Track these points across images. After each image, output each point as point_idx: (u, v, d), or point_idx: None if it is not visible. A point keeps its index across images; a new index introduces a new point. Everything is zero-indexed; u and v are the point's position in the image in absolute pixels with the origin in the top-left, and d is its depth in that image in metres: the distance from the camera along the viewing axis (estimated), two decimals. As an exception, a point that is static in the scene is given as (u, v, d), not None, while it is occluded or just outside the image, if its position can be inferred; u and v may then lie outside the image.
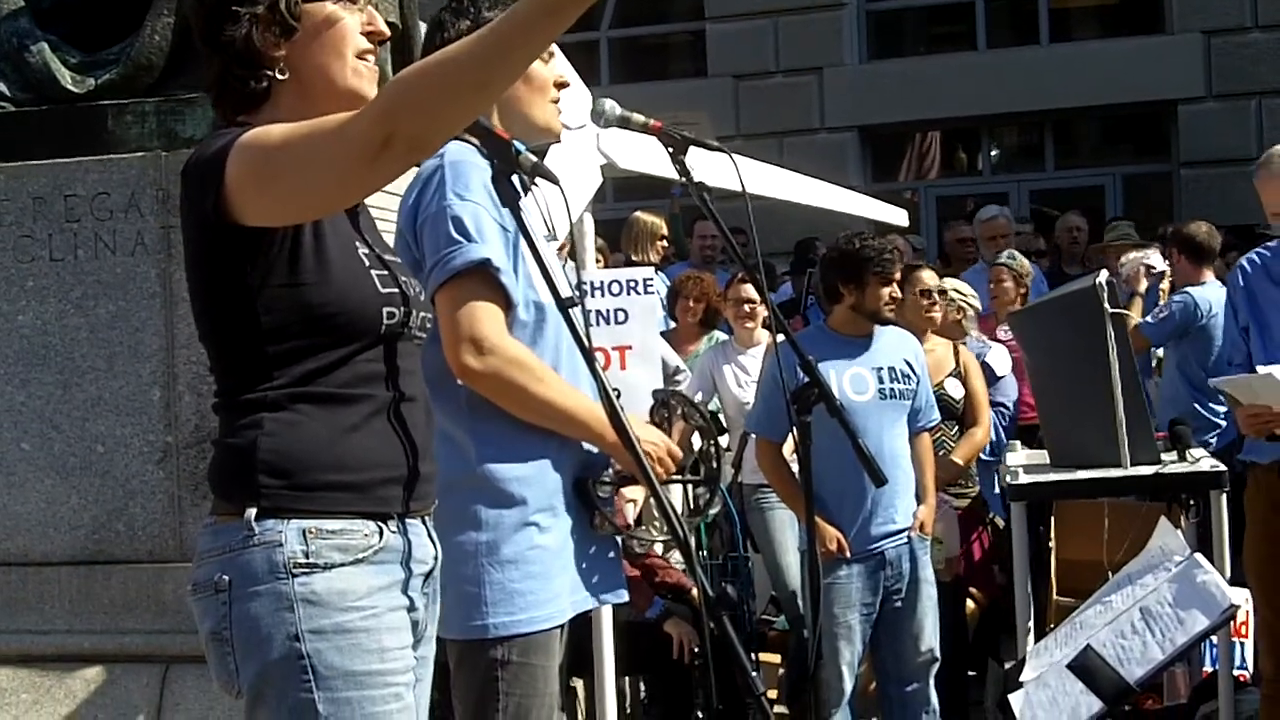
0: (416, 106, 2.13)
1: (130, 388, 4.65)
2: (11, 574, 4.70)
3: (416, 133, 2.15)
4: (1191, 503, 5.47)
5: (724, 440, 7.17)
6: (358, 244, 2.54)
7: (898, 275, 5.50)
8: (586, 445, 3.27)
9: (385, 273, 2.54)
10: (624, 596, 3.41)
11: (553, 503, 3.22)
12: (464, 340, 3.07)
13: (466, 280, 3.08)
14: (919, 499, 5.49)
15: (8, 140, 4.90)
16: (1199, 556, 3.39)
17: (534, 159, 2.69)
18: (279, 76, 2.50)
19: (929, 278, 6.79)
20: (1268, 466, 4.80)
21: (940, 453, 6.31)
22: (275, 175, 2.29)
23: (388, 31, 2.62)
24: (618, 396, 2.50)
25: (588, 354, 2.56)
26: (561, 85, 3.34)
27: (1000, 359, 7.39)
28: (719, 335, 7.78)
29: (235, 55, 2.49)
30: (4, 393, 4.74)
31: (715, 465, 3.48)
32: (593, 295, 5.19)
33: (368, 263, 2.52)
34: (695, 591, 5.68)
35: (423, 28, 5.29)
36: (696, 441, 3.51)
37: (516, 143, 2.69)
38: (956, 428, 6.70)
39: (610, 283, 5.37)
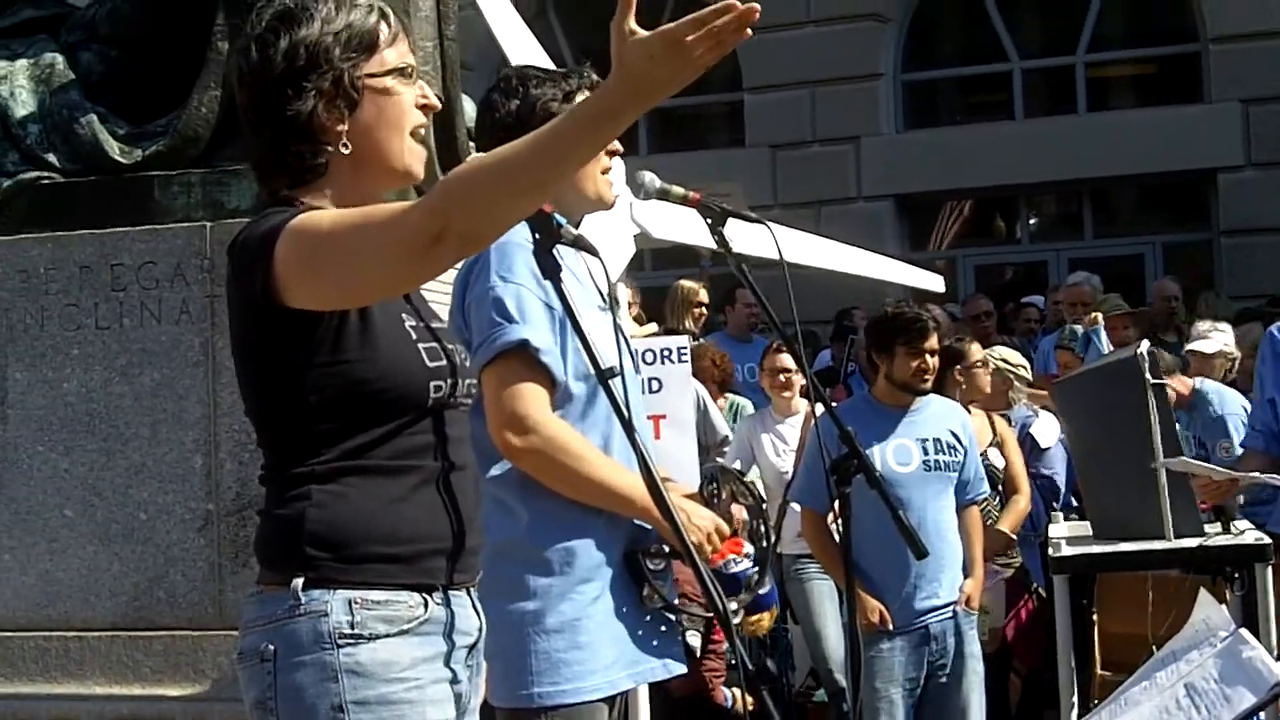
0: (472, 203, 2.15)
1: (173, 455, 4.68)
2: (53, 640, 4.72)
3: (470, 228, 2.17)
4: (1236, 576, 5.41)
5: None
6: (405, 316, 2.53)
7: (931, 344, 5.44)
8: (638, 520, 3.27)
9: (433, 344, 2.54)
10: (677, 670, 3.38)
11: (601, 574, 3.23)
12: (506, 420, 3.14)
13: (509, 361, 3.15)
14: (966, 572, 5.45)
15: (56, 210, 4.97)
16: (1244, 632, 3.35)
17: (575, 232, 2.71)
18: (342, 151, 2.48)
19: (974, 351, 6.79)
20: None
21: (986, 523, 6.27)
22: (324, 263, 2.30)
23: (439, 104, 2.65)
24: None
25: (627, 425, 2.56)
26: (614, 153, 3.37)
27: (1046, 429, 7.35)
28: (740, 400, 7.79)
29: (297, 131, 2.46)
30: (48, 459, 4.78)
31: (765, 544, 3.48)
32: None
33: (415, 335, 2.52)
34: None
35: (465, 101, 5.36)
36: (743, 515, 3.51)
37: (557, 216, 2.71)
38: (998, 498, 6.67)
39: (645, 351, 5.39)
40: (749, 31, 2.03)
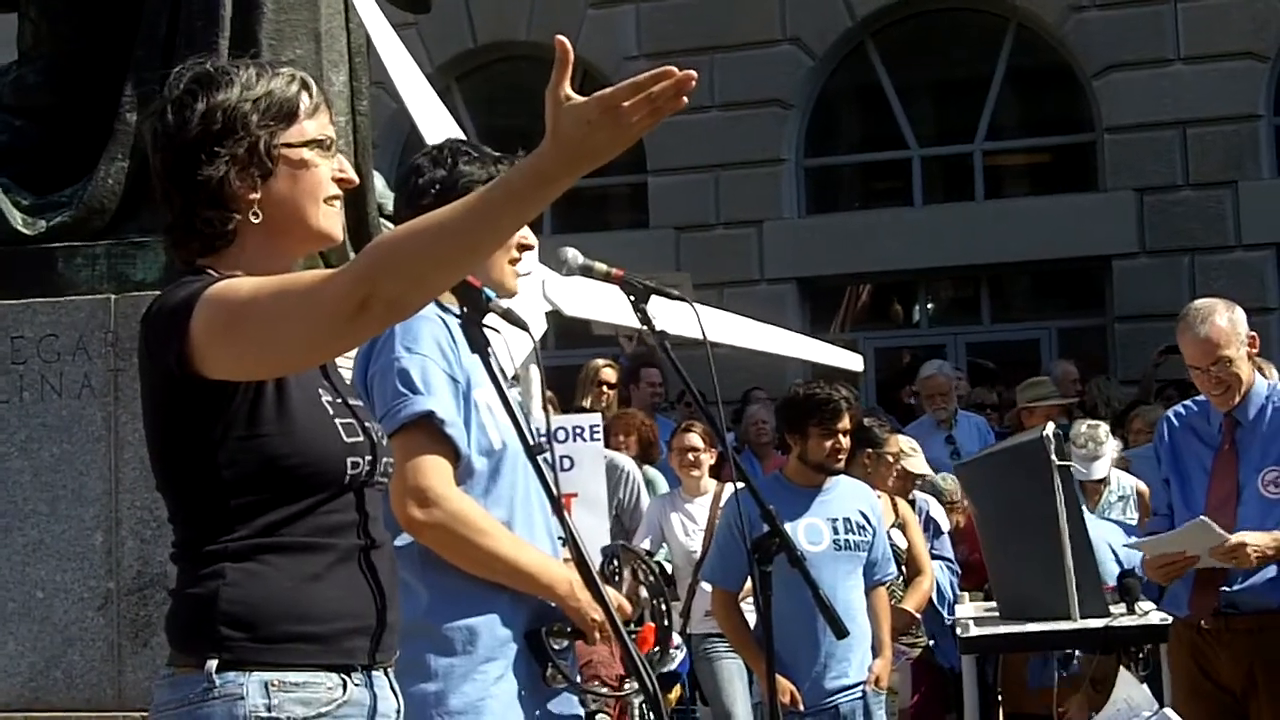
0: (400, 270, 2.12)
1: (72, 532, 4.57)
2: (-57, 724, 4.57)
3: (397, 296, 2.14)
4: (1141, 656, 5.47)
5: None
6: (322, 391, 2.49)
7: (844, 424, 5.45)
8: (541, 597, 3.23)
9: (351, 420, 2.49)
10: None
11: (505, 653, 3.19)
12: (409, 492, 3.09)
13: (413, 433, 3.11)
14: (875, 652, 5.45)
15: (-44, 281, 4.86)
16: (1169, 711, 3.37)
17: (504, 305, 2.70)
18: (252, 220, 2.43)
19: (894, 444, 6.87)
20: (1186, 621, 4.81)
21: (891, 601, 6.29)
22: (244, 331, 2.26)
23: (357, 179, 2.61)
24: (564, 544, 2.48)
25: (555, 500, 2.54)
26: (525, 247, 3.35)
27: (941, 514, 7.42)
28: (654, 475, 7.78)
29: (208, 196, 2.41)
30: (-57, 537, 4.65)
31: (666, 623, 3.46)
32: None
33: (332, 411, 2.47)
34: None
35: (376, 176, 5.34)
36: (643, 593, 3.48)
37: (487, 290, 2.69)
38: (900, 577, 6.70)
39: (557, 429, 5.36)
40: (685, 100, 2.03)
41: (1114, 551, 6.61)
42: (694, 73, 2.01)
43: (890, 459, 6.86)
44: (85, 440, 4.60)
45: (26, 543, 4.60)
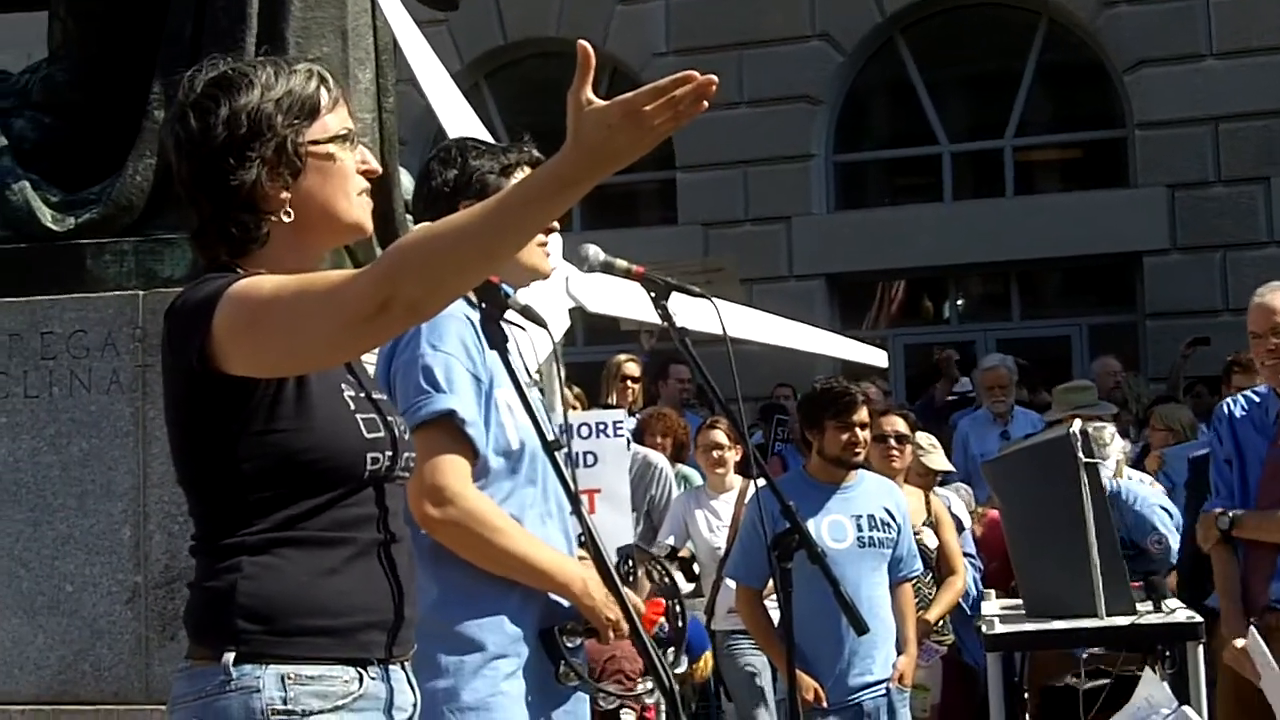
0: (420, 272, 2.13)
1: (100, 526, 4.60)
2: (-27, 716, 4.61)
3: (417, 297, 2.15)
4: (1168, 654, 5.45)
5: (690, 586, 7.14)
6: (344, 386, 2.49)
7: (859, 418, 5.41)
8: (555, 596, 3.25)
9: (373, 415, 2.49)
10: None
11: (515, 651, 3.20)
12: (425, 490, 3.10)
13: (432, 430, 3.11)
14: (899, 649, 5.44)
15: (-13, 277, 4.90)
16: (1188, 709, 3.36)
17: (523, 302, 2.71)
18: (284, 219, 2.44)
19: (889, 424, 6.67)
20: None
21: (918, 602, 6.25)
22: (265, 329, 2.27)
23: (380, 169, 2.62)
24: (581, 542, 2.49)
25: (574, 497, 2.55)
26: (550, 230, 3.37)
27: (963, 510, 7.37)
28: (688, 471, 7.78)
29: (241, 201, 2.41)
30: (-28, 530, 4.69)
31: (680, 625, 3.46)
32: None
33: (353, 406, 2.47)
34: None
35: (403, 174, 5.35)
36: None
37: (505, 286, 2.70)
38: (931, 577, 6.68)
39: (581, 425, 5.38)
40: (705, 104, 2.04)
41: (1158, 517, 6.68)
42: (715, 77, 2.02)
43: (880, 438, 6.60)
44: (113, 435, 4.63)
45: (55, 537, 4.63)
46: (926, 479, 7.13)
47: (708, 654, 6.66)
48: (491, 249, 2.14)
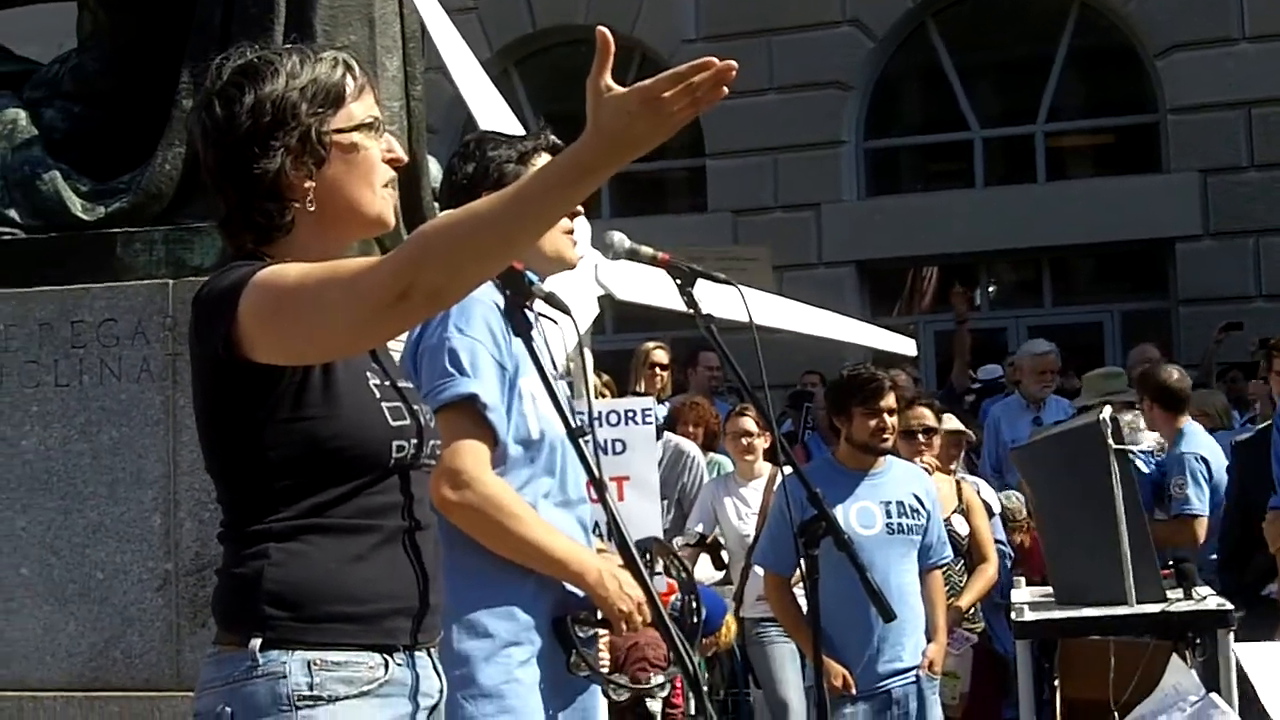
0: (440, 260, 2.13)
1: (131, 514, 4.63)
2: (7, 701, 4.64)
3: (438, 285, 2.15)
4: (1198, 642, 5.41)
5: (719, 574, 7.15)
6: (370, 374, 2.50)
7: (887, 404, 5.37)
8: (569, 585, 3.25)
9: (398, 404, 2.50)
10: None
11: (528, 638, 3.21)
12: (443, 473, 3.09)
13: (453, 414, 3.12)
14: (929, 637, 5.43)
15: (17, 267, 4.94)
16: (1215, 696, 3.34)
17: (547, 289, 2.71)
18: (309, 209, 2.45)
19: (915, 418, 6.60)
20: None
21: (949, 590, 6.23)
22: (290, 317, 2.28)
23: (406, 158, 2.62)
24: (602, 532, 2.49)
25: (599, 484, 2.55)
26: (574, 214, 3.37)
27: (992, 495, 7.35)
28: (720, 459, 7.78)
29: (265, 190, 2.42)
30: (4, 518, 4.72)
31: (695, 620, 3.47)
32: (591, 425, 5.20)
33: (379, 394, 2.48)
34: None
35: (431, 162, 5.36)
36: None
37: (529, 273, 2.71)
38: (962, 564, 6.66)
39: (609, 413, 5.38)
40: (725, 90, 2.03)
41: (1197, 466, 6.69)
42: (734, 63, 2.01)
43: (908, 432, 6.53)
44: (144, 424, 4.66)
45: (86, 525, 4.66)
46: (949, 448, 7.07)
47: (729, 619, 6.64)
48: (511, 236, 2.15)
